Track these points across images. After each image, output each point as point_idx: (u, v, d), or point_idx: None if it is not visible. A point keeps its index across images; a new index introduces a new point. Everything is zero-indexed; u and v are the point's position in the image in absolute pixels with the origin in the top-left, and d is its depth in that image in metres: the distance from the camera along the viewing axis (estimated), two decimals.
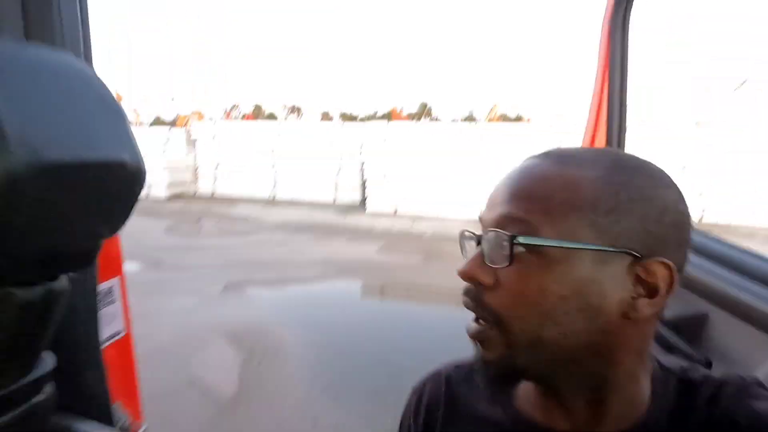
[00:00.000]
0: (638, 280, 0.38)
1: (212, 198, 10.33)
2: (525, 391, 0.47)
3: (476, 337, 0.42)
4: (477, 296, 0.41)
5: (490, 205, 0.42)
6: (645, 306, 0.38)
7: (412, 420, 0.53)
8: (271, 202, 9.82)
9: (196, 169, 10.74)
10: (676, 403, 0.42)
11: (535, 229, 0.38)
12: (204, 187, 10.61)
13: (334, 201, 9.63)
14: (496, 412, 0.47)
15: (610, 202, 0.37)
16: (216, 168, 10.51)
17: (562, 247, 0.37)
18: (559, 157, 0.41)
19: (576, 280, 0.37)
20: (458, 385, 0.51)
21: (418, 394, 0.54)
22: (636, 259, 0.37)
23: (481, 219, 0.43)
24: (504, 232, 0.39)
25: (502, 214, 0.40)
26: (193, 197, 10.45)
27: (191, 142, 10.87)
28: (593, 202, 0.38)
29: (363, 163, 9.28)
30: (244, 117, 17.00)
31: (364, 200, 9.17)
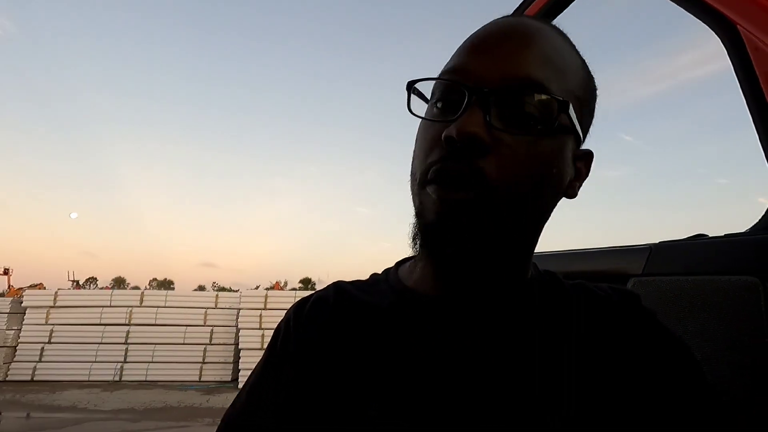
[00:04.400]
0: (575, 163, 0.40)
1: (31, 383, 8.08)
2: (412, 273, 0.44)
3: (458, 209, 0.35)
4: (469, 160, 0.34)
5: (488, 57, 0.36)
6: (576, 188, 0.41)
7: (291, 325, 0.44)
8: (114, 385, 8.00)
9: (15, 348, 8.55)
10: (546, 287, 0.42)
11: (561, 102, 0.36)
12: (22, 369, 8.33)
13: (199, 379, 8.24)
14: (387, 298, 0.42)
15: (590, 97, 0.41)
16: (45, 345, 8.51)
17: (570, 125, 0.37)
18: (549, 25, 0.41)
19: (565, 157, 0.38)
20: (349, 288, 0.45)
21: (303, 302, 0.46)
22: (577, 144, 0.40)
23: (467, 70, 0.36)
24: (555, 96, 0.35)
25: (528, 78, 0.35)
26: (3, 383, 8.06)
27: (19, 315, 8.90)
28: (584, 89, 0.40)
29: (239, 334, 8.44)
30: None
31: (236, 377, 8.01)
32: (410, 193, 0.40)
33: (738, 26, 0.63)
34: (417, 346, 0.37)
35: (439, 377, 0.36)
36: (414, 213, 0.39)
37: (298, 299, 0.47)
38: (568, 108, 0.36)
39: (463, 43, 0.40)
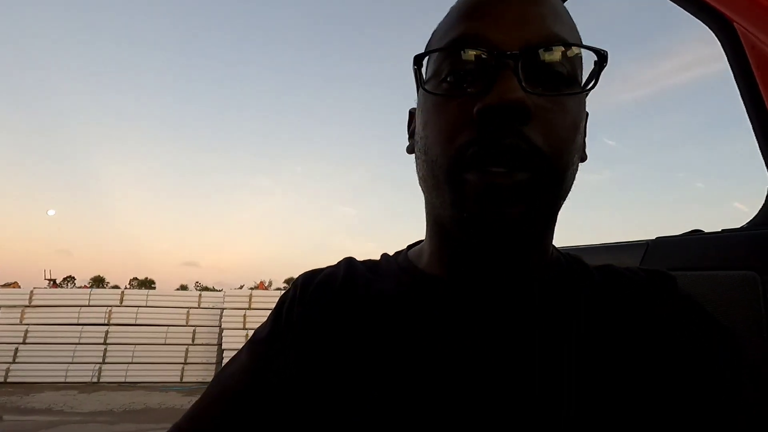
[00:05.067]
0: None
1: (4, 384, 7.82)
2: (421, 256, 0.42)
3: (516, 193, 0.31)
4: (518, 131, 0.31)
5: (501, 18, 0.33)
6: (586, 149, 0.39)
7: (297, 298, 0.42)
8: (92, 386, 7.79)
9: None
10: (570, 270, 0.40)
11: (580, 58, 0.34)
12: None
13: (181, 380, 8.09)
14: (396, 280, 0.41)
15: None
16: (20, 345, 8.23)
17: (593, 79, 0.34)
18: None
19: (584, 116, 0.36)
20: (360, 268, 0.44)
21: (311, 275, 0.44)
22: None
23: (480, 36, 0.33)
24: (590, 47, 0.33)
25: (552, 34, 0.32)
26: None
27: None
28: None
29: (222, 334, 8.31)
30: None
31: None
32: (425, 185, 0.37)
33: (735, 24, 0.64)
34: (424, 330, 0.35)
35: (445, 363, 0.34)
36: (437, 205, 0.36)
37: (307, 269, 0.45)
38: (606, 59, 0.33)
39: (460, 8, 0.36)
